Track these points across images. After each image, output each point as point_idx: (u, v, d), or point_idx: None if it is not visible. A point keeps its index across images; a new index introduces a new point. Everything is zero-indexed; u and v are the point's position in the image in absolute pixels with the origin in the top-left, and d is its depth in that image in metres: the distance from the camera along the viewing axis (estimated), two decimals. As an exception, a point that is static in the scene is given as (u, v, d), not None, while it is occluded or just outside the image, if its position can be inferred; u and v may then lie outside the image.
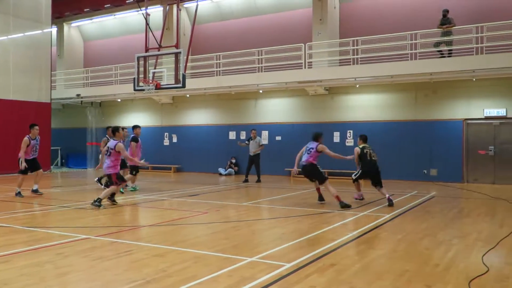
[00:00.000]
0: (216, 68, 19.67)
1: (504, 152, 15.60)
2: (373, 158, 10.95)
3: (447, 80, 15.81)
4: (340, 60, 17.84)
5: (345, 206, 9.86)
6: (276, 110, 19.69)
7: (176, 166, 21.70)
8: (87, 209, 9.77)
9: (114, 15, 24.32)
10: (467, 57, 15.02)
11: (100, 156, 14.42)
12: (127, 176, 12.78)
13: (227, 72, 19.52)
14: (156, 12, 21.07)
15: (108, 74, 22.79)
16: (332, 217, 8.90)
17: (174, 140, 22.17)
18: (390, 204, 10.17)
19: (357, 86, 17.59)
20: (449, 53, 15.58)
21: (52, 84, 22.46)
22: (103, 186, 13.61)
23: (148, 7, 14.96)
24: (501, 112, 15.57)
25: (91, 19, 25.35)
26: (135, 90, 14.53)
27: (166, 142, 22.27)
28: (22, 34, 20.49)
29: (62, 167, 24.44)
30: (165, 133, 22.38)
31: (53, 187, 14.74)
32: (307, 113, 18.91)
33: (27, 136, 12.04)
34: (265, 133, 19.59)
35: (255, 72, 18.70)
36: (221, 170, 19.91)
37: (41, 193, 12.41)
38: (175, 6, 17.92)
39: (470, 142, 16.10)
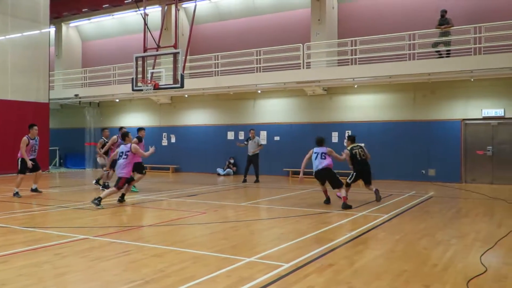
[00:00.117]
0: (215, 68, 19.67)
1: (502, 152, 15.63)
2: (363, 157, 10.98)
3: (445, 80, 15.83)
4: (338, 60, 17.86)
5: (346, 207, 9.87)
6: (275, 110, 19.69)
7: (175, 166, 21.69)
8: (85, 210, 9.77)
9: (113, 15, 24.29)
10: (465, 58, 15.04)
11: (97, 157, 14.48)
12: (137, 176, 12.79)
13: (226, 72, 19.52)
14: (154, 12, 21.06)
15: (106, 74, 22.77)
16: (331, 217, 8.90)
17: (173, 140, 22.16)
18: (378, 198, 10.30)
19: (356, 86, 17.60)
20: (447, 54, 15.61)
21: (50, 84, 22.45)
22: (101, 188, 13.63)
23: (147, 7, 14.96)
24: (499, 112, 15.60)
25: (89, 19, 25.32)
26: (133, 90, 14.52)
27: (165, 142, 22.26)
28: (20, 34, 20.46)
29: (60, 167, 24.41)
30: (164, 133, 22.37)
31: (52, 187, 14.71)
32: (305, 113, 18.91)
33: (26, 136, 12.05)
34: (263, 133, 19.59)
35: (254, 72, 18.71)
36: (220, 170, 19.91)
37: (41, 191, 12.45)
38: (173, 6, 17.91)
39: (468, 142, 16.13)
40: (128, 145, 10.48)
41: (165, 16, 18.17)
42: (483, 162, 15.86)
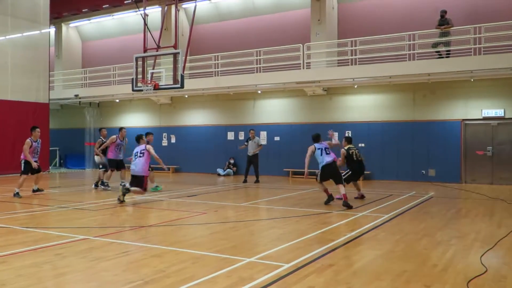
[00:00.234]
0: (215, 68, 19.68)
1: (502, 153, 15.63)
2: (359, 158, 11.50)
3: (445, 80, 15.84)
4: (338, 60, 17.86)
5: (347, 205, 9.88)
6: (275, 111, 19.70)
7: (175, 166, 21.69)
8: (85, 210, 9.77)
9: (112, 15, 24.30)
10: (465, 58, 15.05)
11: (95, 157, 14.55)
12: (150, 175, 12.92)
13: (226, 72, 19.53)
14: (154, 12, 21.07)
15: (106, 74, 22.78)
16: (331, 217, 8.90)
17: (173, 140, 22.16)
18: (360, 196, 10.68)
19: (355, 86, 17.60)
20: (447, 54, 15.61)
21: (50, 85, 22.45)
22: (102, 187, 13.65)
23: (147, 8, 14.95)
24: (499, 112, 15.60)
25: (89, 20, 25.33)
26: (133, 90, 14.51)
27: (165, 142, 22.26)
28: (20, 35, 20.46)
29: (60, 168, 24.41)
30: (164, 134, 22.37)
31: (52, 188, 14.71)
32: (305, 114, 18.91)
33: (29, 138, 12.10)
34: (263, 134, 19.59)
35: (254, 72, 18.72)
36: (220, 171, 19.90)
37: (42, 189, 12.49)
38: (173, 7, 17.92)
39: (468, 142, 16.13)
40: (143, 145, 10.99)
41: (165, 16, 18.17)
42: (483, 162, 15.86)
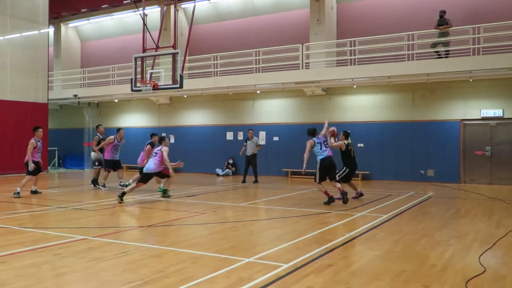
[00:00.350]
0: (214, 68, 19.68)
1: (500, 153, 15.65)
2: (354, 156, 11.54)
3: (444, 80, 15.86)
4: (337, 60, 17.88)
5: (344, 194, 10.11)
6: (274, 111, 19.70)
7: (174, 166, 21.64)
8: (84, 210, 9.76)
9: (111, 15, 24.29)
10: (464, 58, 15.07)
11: (92, 154, 14.61)
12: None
13: (225, 72, 19.53)
14: (153, 12, 21.07)
15: (105, 74, 22.78)
16: (330, 217, 8.90)
17: (172, 140, 22.13)
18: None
19: (355, 86, 17.61)
20: (446, 54, 15.63)
21: (49, 85, 22.42)
22: (102, 187, 13.64)
23: (146, 8, 14.94)
24: (498, 112, 15.62)
25: (88, 20, 25.31)
26: (132, 90, 14.50)
27: (164, 142, 22.23)
28: (19, 35, 20.45)
29: (59, 168, 24.39)
30: (163, 134, 22.32)
31: (50, 188, 14.69)
32: (304, 114, 18.92)
33: (33, 138, 12.15)
34: (262, 134, 19.60)
35: (253, 72, 18.73)
36: (219, 171, 19.91)
37: (40, 192, 12.50)
38: (172, 7, 17.91)
39: (467, 142, 16.15)
40: (161, 146, 11.43)
41: (164, 16, 18.15)
42: (481, 162, 15.88)
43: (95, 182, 14.09)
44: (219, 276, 4.92)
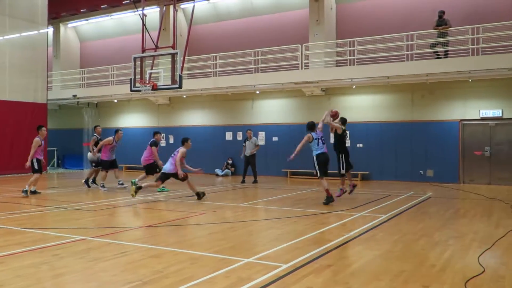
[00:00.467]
0: (213, 69, 19.68)
1: (499, 153, 15.66)
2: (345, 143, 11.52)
3: (443, 81, 15.86)
4: (336, 61, 17.87)
5: (328, 201, 10.33)
6: (273, 111, 19.70)
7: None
8: (83, 210, 9.76)
9: (111, 15, 24.27)
10: (463, 58, 15.07)
11: (88, 155, 14.70)
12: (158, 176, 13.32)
13: (224, 72, 19.52)
14: (152, 12, 21.05)
15: (104, 74, 22.77)
16: (329, 217, 8.91)
17: (171, 141, 22.14)
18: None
19: (354, 87, 17.61)
20: (445, 54, 15.64)
21: (48, 85, 22.41)
22: (101, 187, 13.64)
23: (145, 8, 14.95)
24: (497, 113, 15.63)
25: (87, 20, 25.29)
26: (131, 90, 14.50)
27: (163, 143, 22.22)
28: (18, 35, 20.44)
29: (58, 168, 24.37)
30: (162, 134, 22.31)
31: (50, 188, 14.68)
32: (303, 114, 18.89)
33: (38, 136, 12.28)
34: (261, 134, 19.59)
35: (252, 73, 18.73)
36: (218, 171, 19.90)
37: (40, 192, 12.52)
38: (171, 7, 17.91)
39: (466, 143, 16.15)
40: (180, 147, 11.52)
41: (163, 16, 18.17)
42: (481, 162, 15.88)
43: (87, 181, 14.19)
44: (218, 277, 4.91)
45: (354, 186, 11.53)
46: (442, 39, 15.51)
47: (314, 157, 10.62)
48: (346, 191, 11.36)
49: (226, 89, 19.37)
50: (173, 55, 13.58)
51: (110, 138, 13.80)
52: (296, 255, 5.84)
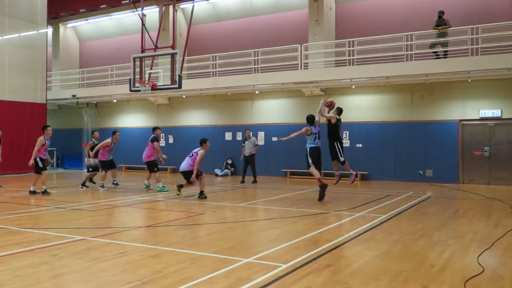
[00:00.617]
0: (212, 69, 19.67)
1: (499, 153, 15.67)
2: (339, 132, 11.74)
3: (443, 81, 15.87)
4: (336, 61, 17.87)
5: (322, 193, 10.69)
6: (272, 111, 19.70)
7: (172, 167, 21.66)
8: (83, 210, 9.75)
9: (110, 15, 24.27)
10: (462, 58, 15.08)
11: (85, 159, 14.87)
12: (156, 175, 13.74)
13: (223, 73, 19.52)
14: (152, 12, 21.04)
15: (104, 74, 22.76)
16: (328, 217, 8.91)
17: (170, 141, 22.14)
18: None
19: (353, 87, 17.62)
20: (444, 54, 15.64)
21: (48, 85, 22.40)
22: (100, 187, 13.65)
23: (144, 8, 14.94)
24: (496, 113, 15.64)
25: (86, 20, 25.29)
26: (131, 90, 14.51)
27: (162, 143, 22.21)
28: (17, 35, 20.42)
29: (58, 168, 24.35)
30: (162, 134, 22.32)
31: (49, 188, 14.64)
32: (303, 114, 18.65)
33: (43, 136, 12.40)
34: (261, 134, 19.59)
35: (252, 73, 18.72)
36: (217, 171, 19.90)
37: (39, 192, 12.52)
38: (171, 7, 17.91)
39: (466, 143, 16.16)
40: (199, 148, 11.69)
41: (162, 16, 18.17)
42: (480, 162, 15.89)
43: (84, 184, 14.33)
44: (218, 277, 4.91)
45: (340, 177, 11.81)
46: (441, 39, 15.52)
47: (308, 149, 10.95)
48: (343, 177, 11.80)
49: (225, 89, 19.36)
50: (173, 55, 13.58)
51: (108, 140, 13.85)
52: (295, 255, 5.84)
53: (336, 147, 11.23)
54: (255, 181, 16.23)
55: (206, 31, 22.30)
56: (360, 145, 17.49)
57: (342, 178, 11.86)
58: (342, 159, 11.19)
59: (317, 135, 10.95)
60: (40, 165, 12.21)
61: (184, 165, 11.60)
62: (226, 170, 19.87)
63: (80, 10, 24.42)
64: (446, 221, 8.62)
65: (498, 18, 15.34)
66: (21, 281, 4.74)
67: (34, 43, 20.91)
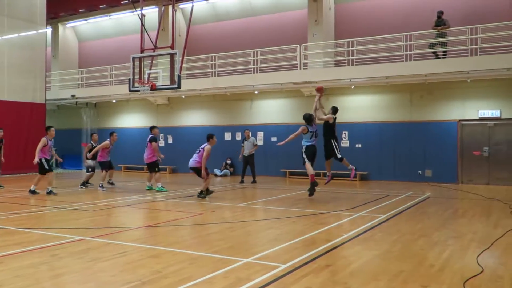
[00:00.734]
0: (212, 69, 19.67)
1: (498, 153, 15.68)
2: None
3: (442, 81, 15.88)
4: (335, 61, 17.88)
5: (312, 189, 10.92)
6: (272, 111, 19.70)
7: (172, 167, 21.67)
8: (82, 210, 9.75)
9: (109, 15, 24.26)
10: (461, 59, 15.09)
11: (84, 161, 14.91)
12: (156, 175, 13.82)
13: (223, 73, 19.52)
14: (151, 13, 21.00)
15: (103, 75, 22.75)
16: (328, 218, 8.91)
17: (170, 141, 22.14)
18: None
19: (352, 87, 17.62)
20: (444, 55, 15.66)
21: (47, 85, 22.38)
22: (100, 188, 13.66)
23: (144, 8, 14.93)
24: (496, 113, 15.65)
25: (86, 20, 25.27)
26: (130, 91, 14.50)
27: (162, 143, 22.21)
28: (17, 35, 20.40)
29: (57, 168, 24.32)
30: (161, 134, 22.31)
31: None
32: (302, 114, 18.79)
33: (45, 136, 12.49)
34: (260, 134, 19.59)
35: (251, 73, 18.72)
36: (217, 171, 19.90)
37: (39, 192, 12.54)
38: (170, 7, 17.91)
39: (465, 143, 16.17)
40: (205, 144, 11.65)
41: (162, 16, 18.16)
42: (479, 162, 15.90)
43: (84, 184, 14.49)
44: (217, 277, 4.91)
45: (332, 177, 11.95)
46: (440, 39, 15.53)
47: (304, 146, 11.14)
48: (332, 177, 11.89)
49: (225, 89, 19.36)
50: (172, 55, 13.57)
51: (107, 142, 13.95)
52: (295, 255, 5.84)
53: (333, 144, 11.33)
54: (254, 181, 16.23)
55: (205, 31, 22.30)
56: (360, 145, 17.50)
57: (341, 178, 11.90)
58: (339, 155, 11.29)
59: (313, 134, 11.17)
60: (46, 166, 12.25)
61: (192, 161, 11.72)
62: (225, 170, 19.87)
63: (80, 10, 24.41)
64: (445, 221, 8.62)
65: (498, 18, 15.35)
66: (21, 281, 4.74)
67: (33, 43, 20.89)
